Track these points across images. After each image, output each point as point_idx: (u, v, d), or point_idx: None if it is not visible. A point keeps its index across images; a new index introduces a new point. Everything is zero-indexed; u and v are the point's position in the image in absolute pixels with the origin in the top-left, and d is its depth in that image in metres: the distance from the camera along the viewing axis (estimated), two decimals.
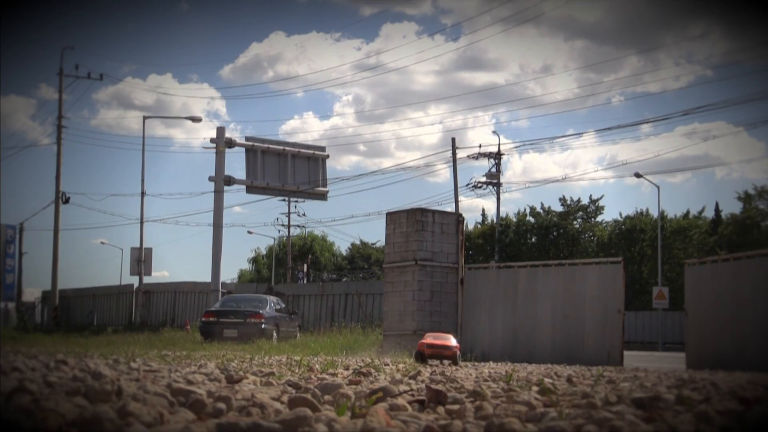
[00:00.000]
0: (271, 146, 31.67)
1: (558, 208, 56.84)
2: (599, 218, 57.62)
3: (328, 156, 33.37)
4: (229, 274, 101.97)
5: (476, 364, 14.28)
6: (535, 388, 7.52)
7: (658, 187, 41.69)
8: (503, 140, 76.50)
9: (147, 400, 4.34)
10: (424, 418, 4.79)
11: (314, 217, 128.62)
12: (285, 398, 5.82)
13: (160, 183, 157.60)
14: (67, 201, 36.25)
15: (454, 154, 38.47)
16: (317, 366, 11.10)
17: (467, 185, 48.67)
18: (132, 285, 39.64)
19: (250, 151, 31.10)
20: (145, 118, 38.08)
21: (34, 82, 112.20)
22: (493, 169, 48.93)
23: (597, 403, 5.89)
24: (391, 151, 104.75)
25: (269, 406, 4.81)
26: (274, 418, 4.19)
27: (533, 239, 56.21)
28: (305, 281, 53.00)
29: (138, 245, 36.60)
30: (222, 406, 4.68)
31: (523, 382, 8.73)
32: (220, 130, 31.32)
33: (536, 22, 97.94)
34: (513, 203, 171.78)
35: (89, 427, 3.49)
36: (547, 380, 8.56)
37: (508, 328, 19.99)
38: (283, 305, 26.19)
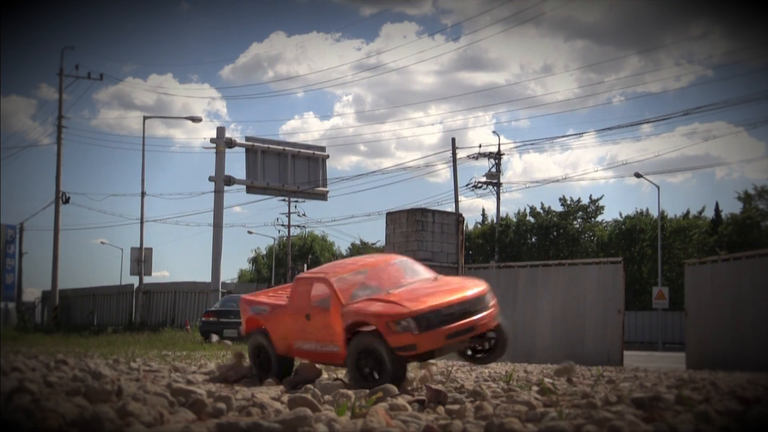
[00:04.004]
0: (271, 146, 31.64)
1: (558, 208, 56.80)
2: (599, 218, 57.58)
3: (328, 156, 33.33)
4: (229, 274, 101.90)
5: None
6: (535, 388, 7.53)
7: (658, 187, 41.72)
8: (503, 140, 76.49)
9: (147, 400, 4.34)
10: (424, 418, 4.79)
11: (314, 217, 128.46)
12: (285, 398, 5.82)
13: (160, 183, 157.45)
14: (67, 201, 36.19)
15: (454, 154, 38.42)
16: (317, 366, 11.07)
17: (467, 185, 48.65)
18: (132, 285, 39.61)
19: (250, 151, 31.06)
20: (145, 118, 38.01)
21: (34, 82, 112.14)
22: (493, 169, 48.89)
23: (597, 403, 5.89)
24: (392, 151, 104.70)
25: (269, 406, 4.81)
26: (274, 418, 4.19)
27: (533, 239, 56.16)
28: None
29: (138, 245, 36.57)
30: (222, 406, 4.68)
31: (523, 382, 8.73)
32: (220, 130, 31.30)
33: (536, 22, 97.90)
34: (513, 203, 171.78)
35: (89, 427, 3.49)
36: (547, 380, 8.56)
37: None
38: None
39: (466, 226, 46.29)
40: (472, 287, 8.49)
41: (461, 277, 9.66)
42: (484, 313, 8.29)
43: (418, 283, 8.73)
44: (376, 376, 7.79)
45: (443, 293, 8.26)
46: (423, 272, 9.24)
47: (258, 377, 9.12)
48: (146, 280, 37.60)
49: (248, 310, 9.68)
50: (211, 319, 22.96)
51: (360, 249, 72.98)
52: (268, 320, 9.24)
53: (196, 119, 38.30)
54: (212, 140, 30.90)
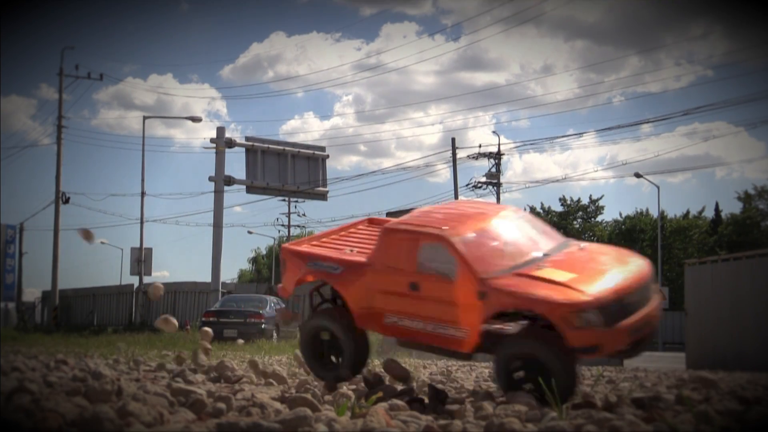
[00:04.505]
0: (271, 146, 31.65)
1: (558, 208, 56.90)
2: (599, 218, 57.65)
3: (328, 156, 33.34)
4: (229, 274, 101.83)
5: (476, 364, 14.27)
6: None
7: (658, 187, 41.76)
8: (503, 140, 76.45)
9: (147, 400, 4.34)
10: (424, 418, 4.78)
11: (314, 217, 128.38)
12: (285, 398, 5.82)
13: (160, 183, 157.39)
14: (67, 201, 36.21)
15: (454, 154, 38.48)
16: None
17: (467, 185, 48.61)
18: (132, 285, 39.63)
19: (250, 151, 31.07)
20: (145, 118, 38.05)
21: (34, 82, 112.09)
22: (493, 169, 48.88)
23: (597, 403, 5.89)
24: (392, 151, 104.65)
25: (269, 406, 4.81)
26: (274, 418, 4.19)
27: None
28: None
29: (138, 245, 36.58)
30: (222, 406, 4.68)
31: None
32: (220, 130, 31.31)
33: (536, 22, 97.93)
34: (513, 203, 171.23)
35: (89, 427, 3.49)
36: None
37: None
38: (283, 305, 26.18)
39: None
40: (639, 262, 6.66)
41: (607, 245, 7.40)
42: (658, 300, 6.54)
43: (568, 252, 6.75)
44: (529, 383, 6.01)
45: (614, 271, 6.35)
46: (555, 234, 7.24)
47: (319, 375, 7.23)
48: (146, 280, 37.62)
49: (301, 266, 7.32)
50: (211, 319, 22.95)
51: None
52: (343, 283, 7.01)
53: (196, 119, 38.33)
54: (212, 140, 30.90)
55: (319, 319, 7.28)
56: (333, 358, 7.23)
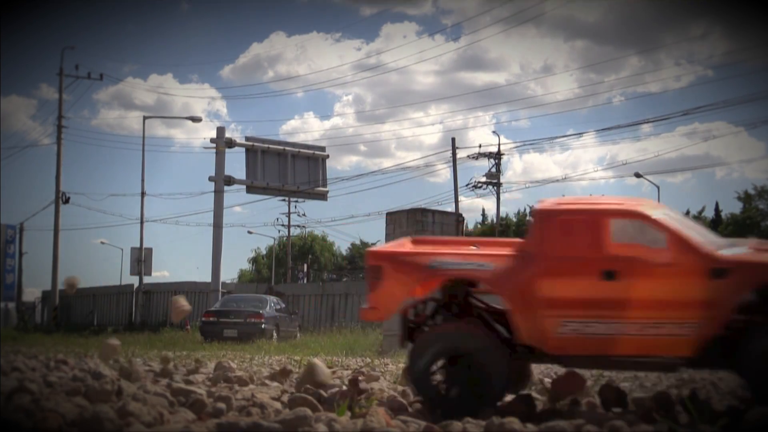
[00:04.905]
0: (271, 146, 31.64)
1: None
2: None
3: (328, 156, 33.34)
4: (229, 274, 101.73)
5: None
6: (535, 388, 7.53)
7: (658, 187, 41.80)
8: (503, 140, 76.35)
9: (147, 400, 4.34)
10: (424, 418, 4.79)
11: (314, 217, 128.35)
12: (285, 398, 5.82)
13: (160, 183, 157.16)
14: (67, 201, 36.21)
15: (454, 154, 38.46)
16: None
17: (467, 185, 48.60)
18: (132, 285, 39.60)
19: (250, 151, 31.07)
20: (145, 118, 38.00)
21: (34, 82, 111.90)
22: (493, 169, 48.88)
23: (597, 403, 5.89)
24: (392, 151, 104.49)
25: (269, 406, 4.81)
26: (274, 418, 4.19)
27: None
28: (305, 281, 52.98)
29: (138, 245, 36.58)
30: (222, 406, 4.69)
31: None
32: (220, 130, 31.30)
33: (536, 22, 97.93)
34: (513, 203, 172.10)
35: (89, 427, 3.50)
36: (547, 380, 8.56)
37: None
38: (283, 305, 26.18)
39: (466, 226, 46.29)
40: None
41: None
42: None
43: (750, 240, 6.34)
44: None
45: None
46: None
47: (447, 415, 5.01)
48: (146, 280, 37.63)
49: (416, 270, 5.80)
50: (211, 319, 22.96)
51: (360, 249, 73.01)
52: (500, 283, 5.59)
53: (196, 119, 38.33)
54: (212, 140, 30.89)
55: (452, 336, 5.64)
56: (459, 390, 5.65)
